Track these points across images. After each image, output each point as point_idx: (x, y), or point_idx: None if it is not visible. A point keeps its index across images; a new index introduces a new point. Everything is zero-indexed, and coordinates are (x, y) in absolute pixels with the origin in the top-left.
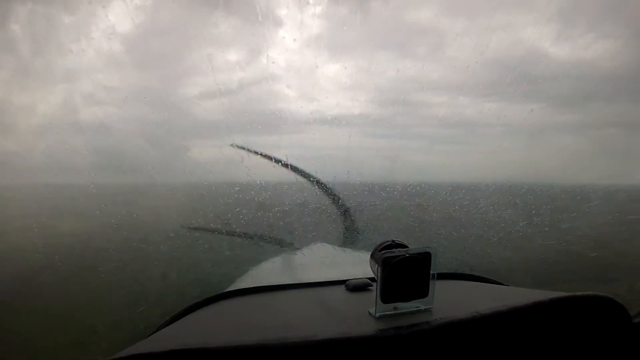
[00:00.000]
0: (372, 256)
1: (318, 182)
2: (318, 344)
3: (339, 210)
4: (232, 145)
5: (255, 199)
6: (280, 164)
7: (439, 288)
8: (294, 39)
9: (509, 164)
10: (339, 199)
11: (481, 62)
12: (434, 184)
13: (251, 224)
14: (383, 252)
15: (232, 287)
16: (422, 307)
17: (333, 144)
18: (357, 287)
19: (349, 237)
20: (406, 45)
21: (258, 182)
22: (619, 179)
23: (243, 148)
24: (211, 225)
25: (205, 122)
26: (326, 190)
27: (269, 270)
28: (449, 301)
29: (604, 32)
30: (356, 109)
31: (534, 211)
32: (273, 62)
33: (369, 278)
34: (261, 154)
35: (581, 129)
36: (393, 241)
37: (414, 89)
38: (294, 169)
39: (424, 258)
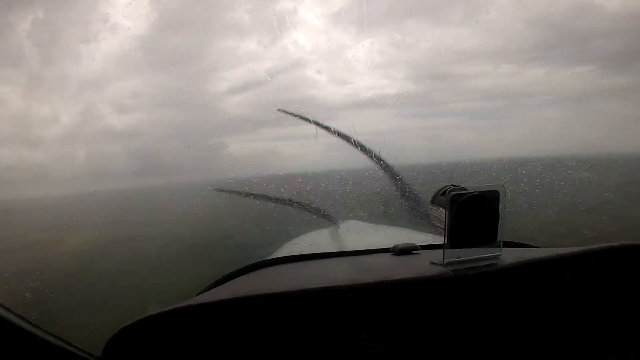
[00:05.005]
0: (432, 201)
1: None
2: (392, 284)
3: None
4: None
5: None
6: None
7: None
8: (316, 15)
9: (554, 136)
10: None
11: (523, 22)
12: (475, 162)
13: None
14: (449, 192)
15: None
16: (491, 255)
17: (370, 129)
18: (404, 251)
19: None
20: (439, 9)
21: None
22: None
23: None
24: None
25: (236, 117)
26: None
27: (308, 242)
28: (512, 255)
29: None
30: (391, 88)
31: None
32: (298, 47)
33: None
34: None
35: (634, 93)
36: (453, 185)
37: (451, 60)
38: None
39: (493, 197)
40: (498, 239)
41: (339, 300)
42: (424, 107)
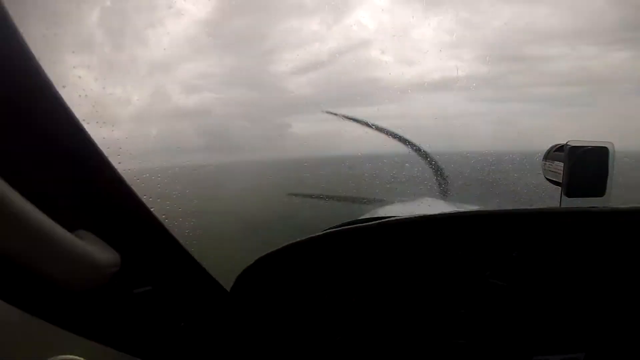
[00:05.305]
0: (546, 158)
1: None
2: (538, 213)
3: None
4: (326, 112)
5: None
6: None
7: None
8: None
9: None
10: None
11: None
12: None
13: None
14: (567, 146)
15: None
16: (602, 205)
17: (437, 112)
18: None
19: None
20: None
21: (360, 154)
22: None
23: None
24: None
25: (300, 97)
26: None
27: (399, 208)
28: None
29: None
30: (460, 70)
31: None
32: (362, 26)
33: None
34: (359, 122)
35: None
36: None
37: (525, 40)
38: (396, 136)
39: (604, 152)
40: (607, 192)
41: (480, 227)
42: (494, 90)
